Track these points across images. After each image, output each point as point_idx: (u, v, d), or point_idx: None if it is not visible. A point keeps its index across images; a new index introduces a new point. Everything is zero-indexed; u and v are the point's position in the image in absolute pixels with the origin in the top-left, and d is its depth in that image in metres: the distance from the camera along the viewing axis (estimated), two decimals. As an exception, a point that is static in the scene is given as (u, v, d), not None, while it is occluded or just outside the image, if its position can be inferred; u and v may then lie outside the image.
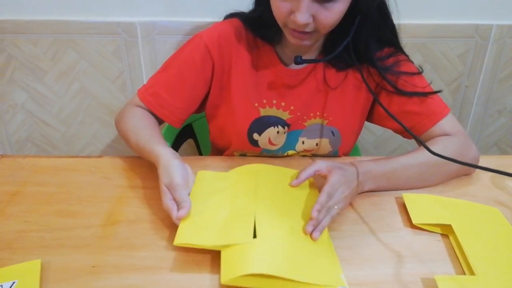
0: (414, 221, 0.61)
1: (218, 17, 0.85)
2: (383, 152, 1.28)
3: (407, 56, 0.78)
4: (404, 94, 0.75)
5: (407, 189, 0.71)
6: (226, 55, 0.77)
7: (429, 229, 0.61)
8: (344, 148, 0.84)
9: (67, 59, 1.11)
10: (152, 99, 0.78)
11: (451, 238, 0.60)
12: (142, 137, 0.72)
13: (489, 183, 0.74)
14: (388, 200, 0.68)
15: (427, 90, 0.76)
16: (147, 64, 1.12)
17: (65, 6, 1.05)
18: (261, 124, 0.79)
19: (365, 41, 0.73)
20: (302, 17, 0.62)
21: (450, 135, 0.75)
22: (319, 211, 0.58)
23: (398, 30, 0.76)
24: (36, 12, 1.06)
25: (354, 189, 0.65)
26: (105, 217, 0.63)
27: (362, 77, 0.74)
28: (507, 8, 1.11)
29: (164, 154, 0.65)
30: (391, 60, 0.76)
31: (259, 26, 0.77)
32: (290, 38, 0.69)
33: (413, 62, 0.78)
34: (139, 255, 0.55)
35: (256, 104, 0.79)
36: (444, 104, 0.77)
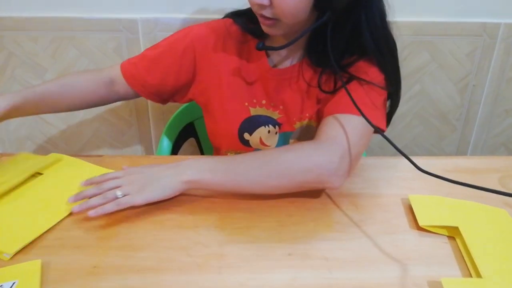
0: (421, 223, 0.60)
1: (219, 14, 0.84)
2: (388, 152, 1.26)
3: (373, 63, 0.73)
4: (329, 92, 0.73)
5: (248, 190, 0.63)
6: (212, 53, 0.78)
7: (435, 231, 0.60)
8: None
9: (68, 56, 1.10)
10: (129, 68, 0.81)
11: (457, 240, 0.59)
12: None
13: (497, 184, 0.73)
14: (394, 202, 0.67)
15: (365, 88, 0.70)
16: (149, 62, 1.11)
17: (66, 3, 1.05)
18: (251, 124, 0.79)
19: (338, 40, 0.70)
20: None
21: (323, 136, 0.65)
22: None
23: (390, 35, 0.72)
24: (36, 9, 1.05)
25: (158, 176, 0.62)
26: (106, 217, 0.62)
27: (320, 74, 0.73)
28: (515, 6, 1.10)
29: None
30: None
31: (249, 20, 0.76)
32: (262, 25, 0.69)
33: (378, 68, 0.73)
34: (140, 256, 0.55)
35: (246, 104, 0.78)
36: (373, 113, 0.67)
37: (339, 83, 0.72)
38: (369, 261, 0.55)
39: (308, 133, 0.80)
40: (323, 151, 0.63)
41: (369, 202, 0.67)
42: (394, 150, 0.62)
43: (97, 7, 1.05)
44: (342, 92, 0.69)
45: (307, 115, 0.79)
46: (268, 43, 0.78)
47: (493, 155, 0.74)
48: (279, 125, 0.80)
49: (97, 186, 0.62)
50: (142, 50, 1.09)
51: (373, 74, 0.72)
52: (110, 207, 0.59)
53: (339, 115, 0.67)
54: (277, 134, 0.81)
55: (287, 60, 0.78)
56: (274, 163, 0.62)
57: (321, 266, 0.53)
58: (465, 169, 0.76)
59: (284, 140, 0.82)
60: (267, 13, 0.65)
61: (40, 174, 0.70)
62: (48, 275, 0.52)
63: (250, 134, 0.79)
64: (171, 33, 1.07)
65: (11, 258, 0.54)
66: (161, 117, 1.19)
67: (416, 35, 1.09)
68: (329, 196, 0.66)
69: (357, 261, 0.55)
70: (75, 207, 0.60)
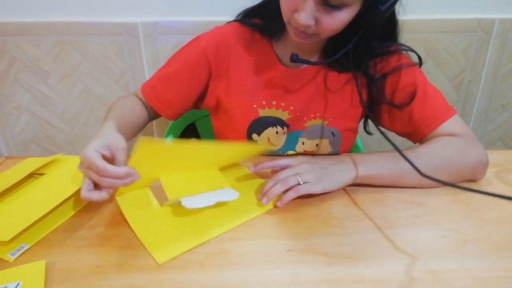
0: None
1: (219, 16, 0.85)
2: (386, 149, 1.27)
3: (408, 53, 0.77)
4: (397, 107, 0.75)
5: (405, 186, 0.69)
6: (223, 58, 0.78)
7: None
8: (344, 147, 0.84)
9: (70, 60, 1.12)
10: (151, 92, 0.81)
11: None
12: (110, 114, 0.73)
13: (494, 178, 0.73)
14: (391, 197, 0.68)
15: (428, 90, 0.74)
16: (149, 64, 1.12)
17: (67, 8, 1.06)
18: (260, 125, 0.80)
19: (365, 50, 0.72)
20: (304, 18, 0.62)
21: (455, 135, 0.72)
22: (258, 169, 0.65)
23: (400, 30, 0.75)
24: (39, 14, 1.07)
25: (330, 169, 0.65)
26: (109, 216, 0.63)
27: (357, 85, 0.74)
28: (509, 2, 1.11)
29: (106, 126, 0.64)
30: (391, 63, 0.75)
31: (264, 16, 0.77)
32: (291, 33, 0.68)
33: (411, 58, 0.77)
34: (143, 255, 0.56)
35: (255, 105, 0.79)
36: (448, 105, 0.75)
37: (401, 86, 0.74)
38: (368, 256, 0.56)
39: (318, 132, 0.81)
40: (474, 146, 0.70)
41: (367, 197, 0.68)
42: (391, 148, 0.63)
43: (98, 12, 1.06)
44: (421, 99, 0.73)
45: (318, 114, 0.80)
46: (279, 46, 0.78)
47: (490, 149, 0.74)
48: (287, 126, 0.80)
49: (275, 176, 0.65)
50: (143, 52, 1.11)
51: (408, 61, 0.76)
52: (293, 195, 0.62)
53: (442, 126, 0.73)
54: (285, 134, 0.81)
55: (301, 48, 0.78)
56: (436, 161, 0.67)
57: (321, 262, 0.54)
58: (462, 164, 0.76)
59: (293, 139, 0.82)
60: (308, 30, 0.65)
61: (42, 174, 0.71)
62: (52, 276, 0.52)
63: (259, 135, 0.80)
64: (171, 36, 1.07)
65: (15, 259, 0.55)
66: (163, 118, 1.20)
67: (411, 32, 1.10)
68: (327, 192, 0.67)
69: (356, 256, 0.56)
70: (265, 200, 0.63)
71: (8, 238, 0.54)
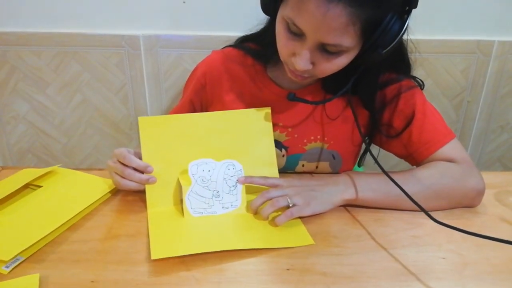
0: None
1: (220, 31, 0.86)
2: (384, 166, 1.27)
3: (410, 77, 0.76)
4: (393, 137, 0.75)
5: (402, 209, 0.68)
6: (217, 84, 0.81)
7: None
8: (344, 169, 0.83)
9: (70, 70, 1.12)
10: None
11: None
12: None
13: (493, 199, 0.73)
14: (392, 217, 0.67)
15: (427, 113, 0.73)
16: (149, 77, 1.13)
17: (70, 19, 1.07)
18: None
19: (366, 83, 0.72)
20: (301, 64, 0.62)
21: (453, 161, 0.71)
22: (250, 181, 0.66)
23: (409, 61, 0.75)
24: (41, 25, 1.07)
25: (322, 191, 0.65)
26: (105, 231, 0.62)
27: (353, 112, 0.72)
28: (508, 24, 1.12)
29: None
30: (394, 88, 0.75)
31: (260, 44, 0.78)
32: (288, 73, 0.69)
33: (415, 79, 0.77)
34: (139, 270, 0.55)
35: None
36: (448, 129, 0.74)
37: (400, 108, 0.74)
38: (367, 276, 0.55)
39: (318, 155, 0.81)
40: (472, 174, 0.69)
41: (367, 216, 0.67)
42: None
43: (100, 24, 1.07)
44: (420, 122, 0.73)
45: (318, 137, 0.79)
46: (273, 69, 0.79)
47: (489, 171, 0.74)
48: (286, 148, 0.80)
49: (264, 193, 0.65)
50: (144, 65, 1.12)
51: (408, 83, 0.75)
52: (284, 219, 0.62)
53: (440, 150, 0.72)
54: (285, 157, 0.81)
55: (296, 82, 0.78)
56: (434, 188, 0.66)
57: (320, 282, 0.53)
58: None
59: (293, 162, 0.82)
60: (306, 73, 0.65)
61: (40, 186, 0.71)
62: (46, 290, 0.51)
63: None
64: (172, 49, 1.09)
65: (10, 272, 0.54)
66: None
67: (411, 52, 1.11)
68: (327, 211, 0.66)
69: (356, 276, 0.55)
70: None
71: (8, 258, 0.54)
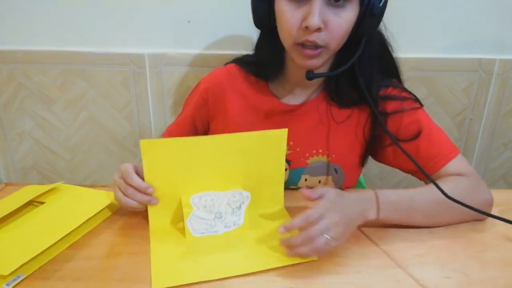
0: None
1: (224, 50, 0.87)
2: (388, 183, 1.27)
3: (410, 94, 0.78)
4: (399, 143, 0.74)
5: (418, 226, 0.68)
6: (220, 100, 0.83)
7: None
8: (348, 184, 0.83)
9: (76, 88, 1.13)
10: (168, 136, 0.89)
11: None
12: None
13: (498, 218, 0.73)
14: (396, 235, 0.67)
15: (433, 129, 0.75)
16: (153, 94, 1.14)
17: (76, 38, 1.08)
18: None
19: (370, 71, 0.74)
20: (315, 19, 0.63)
21: (461, 175, 0.72)
22: (287, 230, 0.59)
23: (398, 64, 0.78)
24: (47, 43, 1.09)
25: (353, 216, 0.62)
26: (107, 249, 0.62)
27: (376, 114, 0.73)
28: (509, 43, 1.13)
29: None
30: (395, 104, 0.76)
31: (257, 66, 0.81)
32: (299, 58, 0.69)
33: (415, 99, 0.78)
34: (140, 289, 0.54)
35: None
36: (453, 144, 0.75)
37: (405, 123, 0.76)
38: (370, 295, 0.55)
39: (320, 169, 0.81)
40: (481, 186, 0.71)
41: (371, 235, 0.67)
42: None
43: (106, 42, 1.09)
44: (427, 137, 0.74)
45: (320, 150, 0.80)
46: (275, 85, 0.81)
47: (492, 189, 0.74)
48: (288, 162, 0.80)
49: (304, 233, 0.58)
50: (148, 83, 1.13)
51: (407, 95, 0.78)
52: (322, 253, 0.60)
53: (449, 165, 0.73)
54: (287, 170, 0.81)
55: (299, 96, 0.80)
56: (449, 203, 0.64)
57: (322, 300, 0.53)
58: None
59: (295, 177, 0.82)
60: (319, 39, 0.66)
61: (42, 203, 0.71)
62: (47, 307, 0.51)
63: None
64: (177, 67, 1.10)
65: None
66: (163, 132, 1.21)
67: (414, 70, 1.12)
68: (330, 229, 0.66)
69: (359, 295, 0.55)
70: (289, 252, 0.60)
71: (7, 273, 0.54)
